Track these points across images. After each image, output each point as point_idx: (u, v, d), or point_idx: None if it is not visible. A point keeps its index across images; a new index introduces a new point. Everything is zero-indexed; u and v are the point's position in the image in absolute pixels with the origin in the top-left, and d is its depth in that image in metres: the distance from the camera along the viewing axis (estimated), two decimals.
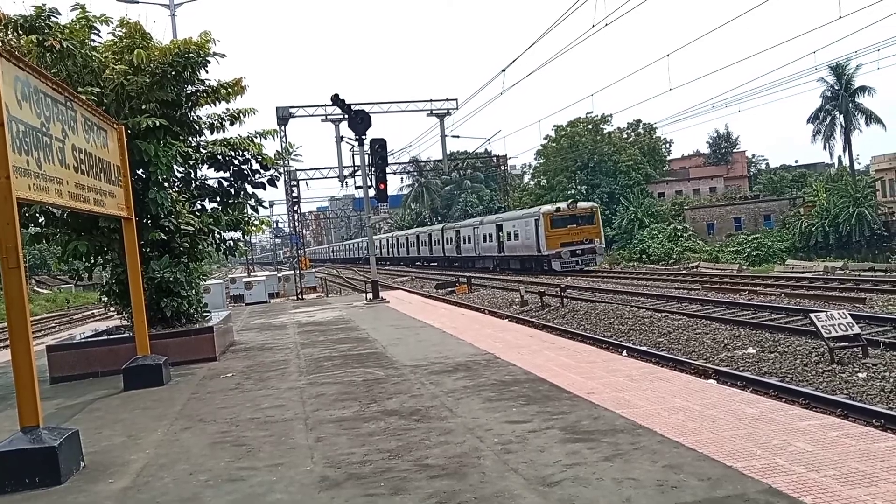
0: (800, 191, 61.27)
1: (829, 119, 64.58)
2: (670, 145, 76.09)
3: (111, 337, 11.56)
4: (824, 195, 51.94)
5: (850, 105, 62.76)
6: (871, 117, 62.80)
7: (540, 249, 40.55)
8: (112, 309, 12.95)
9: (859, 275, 26.09)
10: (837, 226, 48.45)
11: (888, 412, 8.19)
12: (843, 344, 11.28)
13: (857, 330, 11.36)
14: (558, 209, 41.28)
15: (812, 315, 11.74)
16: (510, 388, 7.61)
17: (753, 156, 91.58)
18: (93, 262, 11.97)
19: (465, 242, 53.80)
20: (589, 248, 40.38)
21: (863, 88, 62.58)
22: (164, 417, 7.59)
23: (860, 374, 10.30)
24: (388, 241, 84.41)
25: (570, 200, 44.17)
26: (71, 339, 12.79)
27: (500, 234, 46.28)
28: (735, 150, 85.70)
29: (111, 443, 6.66)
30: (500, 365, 9.07)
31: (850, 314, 11.80)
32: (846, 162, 65.67)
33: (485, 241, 49.28)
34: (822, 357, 11.44)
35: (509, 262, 46.16)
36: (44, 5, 10.09)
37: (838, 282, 23.51)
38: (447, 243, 58.34)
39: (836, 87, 62.81)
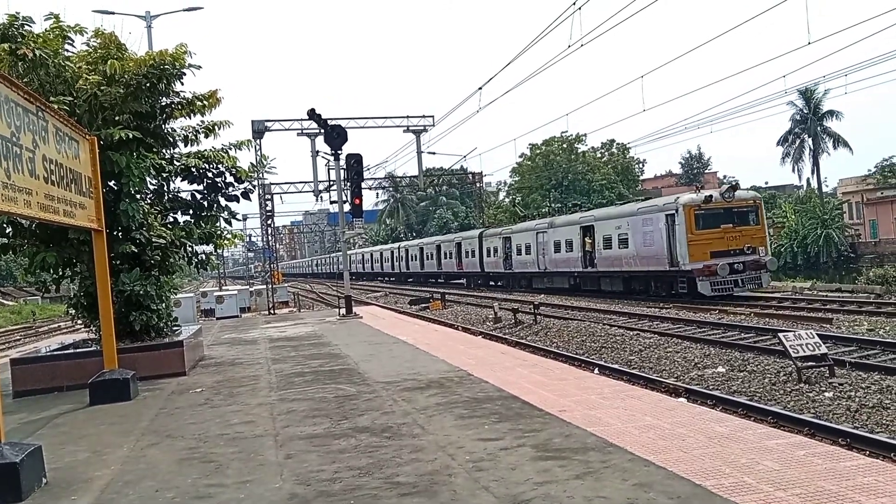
0: (769, 212, 62.33)
1: (798, 142, 65.95)
2: (643, 165, 77.23)
3: (77, 350, 11.38)
4: (793, 217, 52.88)
5: (819, 128, 64.16)
6: (838, 141, 64.25)
7: (676, 262, 26.35)
8: (79, 322, 12.75)
9: (826, 295, 26.45)
10: (806, 247, 49.34)
11: (854, 431, 8.30)
12: (810, 363, 11.44)
13: (824, 350, 11.53)
14: (708, 199, 26.66)
15: (780, 335, 11.90)
16: (482, 405, 7.60)
17: (724, 176, 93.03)
18: (61, 273, 11.78)
19: (519, 253, 39.79)
20: (752, 260, 26.21)
21: (831, 112, 64.06)
22: (130, 433, 7.46)
23: (827, 394, 10.44)
24: (392, 253, 69.78)
25: (726, 187, 28.76)
26: (36, 353, 12.56)
27: (590, 239, 32.03)
28: (707, 171, 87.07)
29: (75, 459, 6.53)
30: (473, 382, 9.06)
31: (817, 334, 11.98)
32: (814, 184, 67.01)
33: (557, 250, 35.15)
34: (790, 376, 11.58)
35: (601, 282, 32.21)
36: (17, 14, 9.99)
37: (806, 302, 23.85)
38: (488, 255, 44.57)
39: (805, 111, 64.20)
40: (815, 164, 65.22)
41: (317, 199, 44.08)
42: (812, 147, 64.79)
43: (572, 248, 33.82)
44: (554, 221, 37.10)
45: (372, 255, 79.83)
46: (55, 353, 11.58)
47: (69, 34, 11.11)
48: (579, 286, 34.21)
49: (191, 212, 13.31)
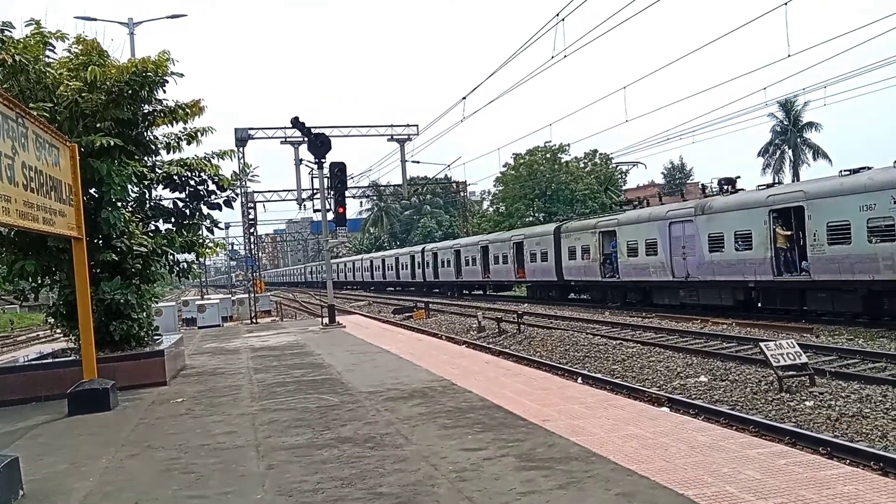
0: None
1: (778, 153, 66.64)
2: (626, 175, 77.56)
3: (56, 360, 11.24)
4: None
5: (799, 140, 64.89)
6: (818, 152, 65.00)
7: None
8: (58, 331, 12.60)
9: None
10: None
11: (834, 440, 8.37)
12: (791, 373, 11.53)
13: (804, 359, 11.63)
14: None
15: (762, 344, 11.99)
16: (466, 415, 7.59)
17: (707, 186, 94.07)
18: (40, 282, 11.65)
19: (633, 254, 27.96)
20: None
21: (810, 124, 64.84)
22: (109, 444, 7.37)
23: (807, 403, 10.52)
24: (413, 258, 57.59)
25: None
26: (14, 362, 12.39)
27: (787, 229, 21.36)
28: (689, 181, 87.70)
29: (53, 470, 6.44)
30: (457, 391, 9.05)
31: (798, 344, 12.08)
32: None
33: (717, 247, 23.38)
34: (771, 385, 11.66)
35: (810, 297, 20.87)
36: None
37: (787, 312, 24.03)
38: (572, 257, 32.78)
39: (785, 123, 64.93)
40: (796, 174, 65.89)
41: (300, 208, 43.94)
42: (792, 158, 65.49)
43: (749, 243, 22.09)
44: (709, 204, 24.26)
45: (384, 261, 67.16)
46: (33, 362, 11.43)
47: (50, 40, 11.01)
48: (755, 302, 23.14)
49: (172, 220, 13.23)
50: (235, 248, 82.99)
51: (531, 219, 62.95)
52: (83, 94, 10.69)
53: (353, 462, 5.98)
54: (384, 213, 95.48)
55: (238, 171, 14.62)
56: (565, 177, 67.17)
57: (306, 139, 23.02)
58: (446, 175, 62.91)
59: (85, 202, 9.74)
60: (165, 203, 13.36)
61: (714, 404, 11.02)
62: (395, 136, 40.63)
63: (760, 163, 68.13)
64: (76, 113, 10.80)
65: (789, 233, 21.27)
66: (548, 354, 17.92)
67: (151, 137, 12.40)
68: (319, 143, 22.29)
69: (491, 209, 79.70)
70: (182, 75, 11.68)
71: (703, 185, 32.03)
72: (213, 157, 13.26)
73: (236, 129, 37.67)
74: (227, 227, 62.42)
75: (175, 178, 12.88)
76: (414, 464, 5.82)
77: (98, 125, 10.97)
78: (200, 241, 13.44)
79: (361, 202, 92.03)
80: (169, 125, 12.32)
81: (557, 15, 19.39)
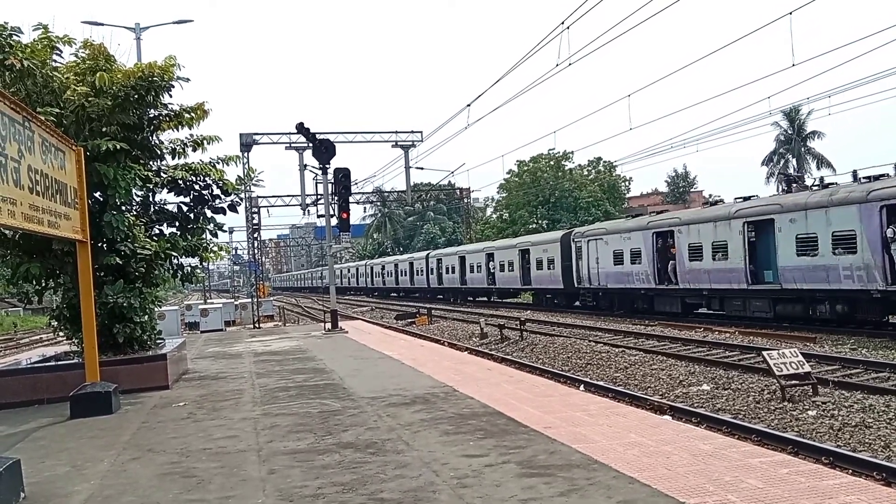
0: None
1: (782, 162, 66.59)
2: (630, 183, 77.51)
3: (59, 363, 11.27)
4: None
5: (803, 149, 64.86)
6: (822, 161, 64.94)
7: None
8: (62, 334, 12.62)
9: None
10: None
11: (837, 450, 8.33)
12: (794, 382, 11.49)
13: (807, 368, 11.59)
14: None
15: (765, 353, 11.96)
16: (468, 421, 7.58)
17: (710, 195, 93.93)
18: (44, 285, 11.69)
19: None
20: None
21: (814, 133, 64.81)
22: (111, 447, 7.38)
23: (810, 412, 10.49)
24: (526, 253, 38.48)
25: None
26: (16, 365, 12.41)
27: None
28: (693, 190, 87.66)
29: (54, 473, 6.45)
30: (459, 398, 9.04)
31: (801, 353, 12.05)
32: None
33: None
34: (773, 395, 11.63)
35: None
36: (6, 24, 9.95)
37: (790, 321, 23.97)
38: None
39: (789, 132, 64.92)
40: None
41: (304, 213, 44.05)
42: (796, 167, 65.44)
43: None
44: None
45: (463, 257, 48.44)
46: (36, 365, 11.46)
47: (57, 45, 11.09)
48: None
49: (177, 224, 13.25)
50: (239, 252, 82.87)
51: (534, 226, 62.94)
52: (90, 99, 10.74)
53: (355, 467, 5.98)
54: (388, 218, 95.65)
55: (242, 176, 14.65)
56: (569, 184, 67.20)
57: (311, 145, 23.10)
58: (450, 181, 62.83)
59: (89, 205, 9.77)
60: (170, 207, 13.39)
61: (716, 413, 10.98)
62: (399, 143, 40.70)
63: (765, 172, 68.17)
64: (82, 117, 10.85)
65: None
66: (550, 361, 17.89)
67: (156, 142, 12.45)
68: (324, 149, 22.35)
69: (494, 216, 79.77)
70: (188, 80, 11.75)
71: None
72: (218, 162, 13.29)
73: (241, 135, 37.79)
74: (231, 231, 62.32)
75: (180, 182, 12.92)
76: (415, 470, 5.82)
77: (104, 129, 11.03)
78: (204, 245, 13.46)
79: (365, 208, 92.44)
80: (174, 129, 12.36)
81: (562, 23, 19.40)
